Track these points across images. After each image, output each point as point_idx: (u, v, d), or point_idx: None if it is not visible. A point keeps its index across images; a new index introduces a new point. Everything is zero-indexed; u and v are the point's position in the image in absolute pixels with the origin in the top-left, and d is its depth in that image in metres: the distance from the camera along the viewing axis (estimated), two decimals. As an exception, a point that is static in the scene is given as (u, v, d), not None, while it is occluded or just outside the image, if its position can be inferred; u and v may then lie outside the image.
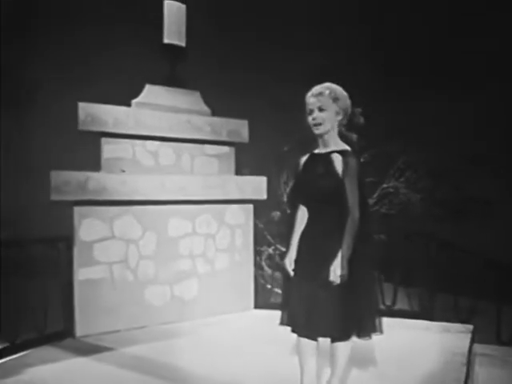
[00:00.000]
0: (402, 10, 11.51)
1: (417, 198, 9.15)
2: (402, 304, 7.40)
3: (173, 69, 6.82)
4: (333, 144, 3.88)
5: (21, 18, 9.21)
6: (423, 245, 7.17)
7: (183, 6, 6.81)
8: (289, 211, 4.21)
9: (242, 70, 10.20)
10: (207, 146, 6.97)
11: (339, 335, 3.87)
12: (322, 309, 3.73)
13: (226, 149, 7.16)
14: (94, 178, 5.97)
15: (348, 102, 3.95)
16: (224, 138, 7.09)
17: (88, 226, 5.98)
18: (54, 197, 5.71)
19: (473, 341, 6.03)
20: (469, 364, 5.33)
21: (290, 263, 3.98)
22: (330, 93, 3.85)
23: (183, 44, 6.82)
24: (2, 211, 7.49)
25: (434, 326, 6.55)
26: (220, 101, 7.38)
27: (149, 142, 6.49)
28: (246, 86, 8.95)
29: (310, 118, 3.87)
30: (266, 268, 8.12)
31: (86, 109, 6.00)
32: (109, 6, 9.49)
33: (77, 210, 5.91)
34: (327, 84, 3.91)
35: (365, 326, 3.85)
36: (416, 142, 9.46)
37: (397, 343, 5.75)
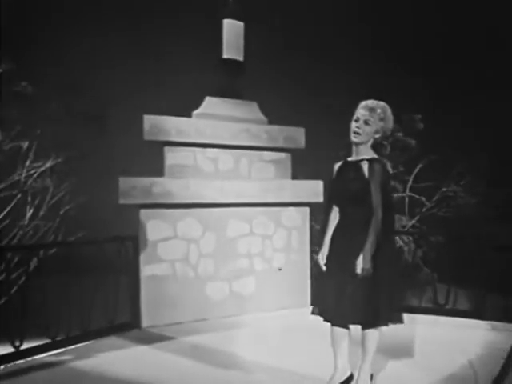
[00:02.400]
0: (465, 23, 11.68)
1: (473, 201, 9.37)
2: (454, 303, 7.64)
3: (231, 81, 7.34)
4: (364, 153, 4.30)
5: (95, 44, 10.06)
6: (476, 246, 7.38)
7: (241, 24, 7.33)
8: (325, 212, 4.64)
9: (300, 80, 10.69)
10: (264, 153, 7.46)
11: (366, 323, 4.28)
12: (350, 299, 4.17)
13: (282, 155, 7.62)
14: (158, 183, 6.56)
15: (391, 125, 4.36)
16: (280, 144, 7.56)
17: (153, 227, 6.58)
18: (122, 200, 6.34)
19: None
20: (510, 359, 5.58)
21: (322, 258, 4.44)
22: (381, 113, 4.27)
23: (241, 58, 7.34)
24: (80, 213, 8.26)
25: (482, 325, 6.77)
26: (278, 110, 7.85)
27: (209, 150, 7.03)
28: (304, 95, 9.41)
29: (353, 124, 4.29)
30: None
31: (150, 120, 6.60)
32: (171, 25, 10.18)
33: (143, 212, 6.52)
34: (382, 104, 4.33)
35: (385, 316, 4.25)
36: (473, 148, 9.67)
37: (439, 338, 6.10)
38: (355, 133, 4.26)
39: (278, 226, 7.52)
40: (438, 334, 6.35)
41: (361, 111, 4.29)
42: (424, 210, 9.83)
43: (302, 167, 7.95)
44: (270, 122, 7.62)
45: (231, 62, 7.31)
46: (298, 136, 7.71)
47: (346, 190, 4.30)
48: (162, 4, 10.57)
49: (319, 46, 11.70)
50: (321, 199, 7.77)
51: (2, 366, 5.13)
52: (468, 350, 5.70)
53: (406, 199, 9.96)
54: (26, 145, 7.87)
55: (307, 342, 5.84)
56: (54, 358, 5.40)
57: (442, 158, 9.26)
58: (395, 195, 9.93)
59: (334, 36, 11.82)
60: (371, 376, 4.48)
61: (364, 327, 4.37)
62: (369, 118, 4.25)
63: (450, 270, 7.55)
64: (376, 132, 4.28)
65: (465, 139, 10.26)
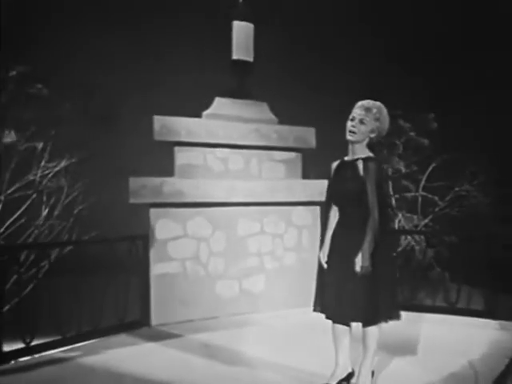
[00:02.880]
0: (480, 23, 11.64)
1: (486, 201, 9.37)
2: (464, 302, 7.64)
3: (241, 82, 7.41)
4: (360, 152, 4.36)
5: (107, 45, 10.23)
6: (487, 246, 7.37)
7: (251, 25, 7.40)
8: (325, 211, 4.70)
9: (311, 80, 10.74)
10: (275, 153, 7.52)
11: (367, 320, 4.33)
12: (350, 297, 4.24)
13: (292, 154, 7.68)
14: (168, 183, 6.66)
15: (387, 125, 4.44)
16: (291, 144, 7.62)
17: (163, 226, 6.67)
18: (132, 200, 6.44)
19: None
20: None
21: (323, 256, 4.49)
22: (376, 112, 4.34)
23: (251, 59, 7.41)
24: (91, 213, 8.40)
25: (492, 324, 6.78)
26: (289, 110, 7.90)
27: (219, 150, 7.11)
28: (316, 95, 9.47)
29: (349, 123, 4.36)
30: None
31: (160, 121, 6.70)
32: (182, 26, 10.29)
33: (153, 211, 6.62)
34: (378, 104, 4.40)
35: (384, 313, 4.30)
36: (487, 147, 9.66)
37: (445, 337, 6.14)
38: (351, 132, 4.33)
39: (289, 225, 7.58)
40: (445, 333, 6.38)
41: (357, 111, 4.35)
42: (437, 209, 9.84)
43: (313, 167, 7.99)
44: (282, 122, 7.67)
45: (241, 63, 7.38)
46: (308, 136, 7.77)
47: (343, 190, 4.37)
48: (173, 5, 10.70)
49: (331, 46, 11.74)
50: (332, 198, 7.80)
51: (13, 361, 5.24)
52: (472, 349, 5.72)
53: (419, 198, 9.97)
54: (40, 145, 8.00)
55: (314, 339, 5.89)
56: (63, 354, 5.51)
57: (455, 157, 9.26)
58: (408, 194, 9.97)
59: (345, 36, 11.86)
60: (372, 372, 4.53)
61: (365, 324, 4.41)
62: (364, 118, 4.31)
63: (462, 270, 7.56)
64: (371, 131, 4.34)
65: (478, 138, 10.25)
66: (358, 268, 4.17)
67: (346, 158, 4.48)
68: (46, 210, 8.16)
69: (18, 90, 7.74)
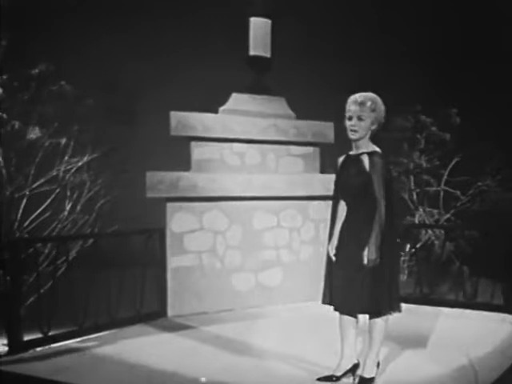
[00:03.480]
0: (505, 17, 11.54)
1: (508, 196, 9.34)
2: (483, 297, 7.63)
3: (259, 78, 7.49)
4: (364, 147, 4.41)
5: (127, 43, 10.44)
6: (506, 240, 7.34)
7: (268, 21, 7.47)
8: (332, 205, 4.77)
9: (330, 75, 10.79)
10: (292, 147, 7.58)
11: (373, 312, 4.39)
12: (357, 289, 4.31)
13: (310, 149, 7.74)
14: (185, 177, 6.77)
15: (383, 113, 4.45)
16: (309, 139, 7.67)
17: (179, 220, 6.80)
18: (149, 194, 6.58)
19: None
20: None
21: (332, 249, 4.56)
22: (371, 104, 4.35)
23: (268, 55, 7.48)
24: (113, 207, 8.59)
25: (509, 318, 6.76)
26: (308, 105, 7.97)
27: (236, 145, 7.20)
28: (334, 90, 9.50)
29: (348, 123, 4.40)
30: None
31: (176, 116, 6.82)
32: (200, 23, 10.44)
33: (169, 205, 6.75)
34: (370, 95, 4.41)
35: (389, 305, 4.36)
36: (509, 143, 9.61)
37: (460, 331, 6.18)
38: (352, 131, 4.37)
39: (306, 219, 7.64)
40: (460, 327, 6.38)
41: (352, 108, 4.35)
42: (459, 204, 9.82)
43: (332, 161, 8.03)
44: (301, 117, 7.72)
45: (258, 59, 7.45)
46: (327, 131, 7.82)
47: (349, 184, 4.43)
48: (190, 2, 10.84)
49: (349, 41, 11.76)
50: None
51: (31, 350, 5.41)
52: (483, 342, 5.72)
53: (441, 193, 9.95)
54: (63, 141, 8.20)
55: (326, 331, 5.92)
56: (79, 344, 5.66)
57: (478, 152, 9.25)
58: (430, 189, 9.96)
59: (365, 30, 11.87)
60: (378, 364, 4.58)
61: (371, 316, 4.47)
62: (361, 114, 4.32)
63: (481, 264, 7.56)
64: (371, 124, 4.37)
65: (501, 133, 10.17)
66: (365, 261, 4.23)
67: (351, 153, 4.53)
68: (70, 205, 8.35)
69: (41, 88, 7.93)
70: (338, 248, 4.52)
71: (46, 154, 8.20)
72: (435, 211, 9.74)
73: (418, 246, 9.30)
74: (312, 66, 11.38)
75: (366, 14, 12.05)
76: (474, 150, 9.28)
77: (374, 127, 4.40)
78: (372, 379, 4.50)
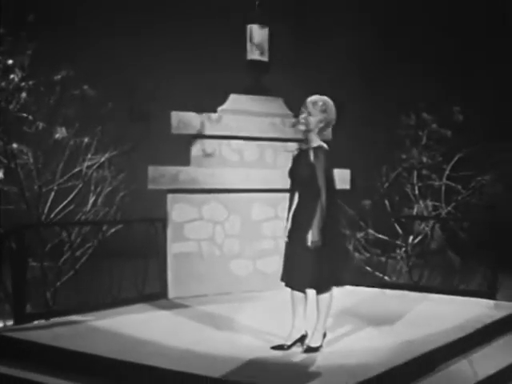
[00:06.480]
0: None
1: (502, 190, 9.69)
2: (472, 285, 8.05)
3: (257, 80, 8.09)
4: (313, 142, 5.04)
5: (141, 52, 11.25)
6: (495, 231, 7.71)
7: (266, 28, 8.06)
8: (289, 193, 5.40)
9: (326, 74, 11.30)
10: (290, 144, 8.10)
11: (318, 287, 5.01)
12: (303, 267, 4.95)
13: (308, 145, 8.25)
14: (185, 171, 7.43)
15: (333, 115, 5.14)
16: (307, 136, 8.18)
17: (180, 210, 7.44)
18: (150, 186, 7.27)
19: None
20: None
21: (285, 232, 5.17)
22: (322, 105, 5.06)
23: (266, 59, 8.07)
24: (132, 200, 9.35)
25: (489, 303, 7.20)
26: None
27: (234, 142, 7.81)
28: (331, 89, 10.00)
29: (300, 116, 5.05)
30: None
31: (177, 116, 7.48)
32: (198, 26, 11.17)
33: (170, 196, 7.41)
34: (324, 97, 5.12)
35: (331, 281, 4.96)
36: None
37: (431, 313, 6.72)
38: (301, 123, 4.99)
39: (305, 211, 8.15)
40: (434, 310, 6.90)
41: (305, 105, 5.06)
42: (460, 197, 10.22)
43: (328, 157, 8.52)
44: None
45: (257, 63, 8.04)
46: (325, 128, 8.31)
47: (298, 175, 5.10)
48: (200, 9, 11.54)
49: (347, 39, 12.14)
50: (348, 186, 8.39)
51: (36, 322, 6.18)
52: (448, 321, 6.19)
53: (443, 187, 10.36)
54: (86, 140, 9.01)
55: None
56: (79, 318, 6.36)
57: (479, 148, 9.65)
58: (433, 183, 10.38)
59: (363, 28, 12.23)
60: (324, 334, 5.14)
61: (317, 292, 5.05)
62: (311, 111, 4.98)
63: (471, 253, 7.98)
64: (319, 122, 4.99)
65: (503, 130, 10.48)
66: (309, 242, 4.83)
67: (302, 147, 5.14)
68: (93, 198, 9.15)
69: (65, 92, 8.75)
70: (290, 231, 5.14)
71: (70, 152, 8.98)
72: (430, 203, 10.15)
73: (417, 237, 9.77)
74: (310, 64, 11.92)
75: (366, 12, 12.43)
76: (476, 147, 9.68)
77: (321, 125, 5.05)
78: (318, 348, 5.08)
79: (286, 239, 5.18)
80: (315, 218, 4.84)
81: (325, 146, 5.03)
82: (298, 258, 4.97)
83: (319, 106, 5.00)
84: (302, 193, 5.06)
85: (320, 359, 4.90)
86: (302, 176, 5.01)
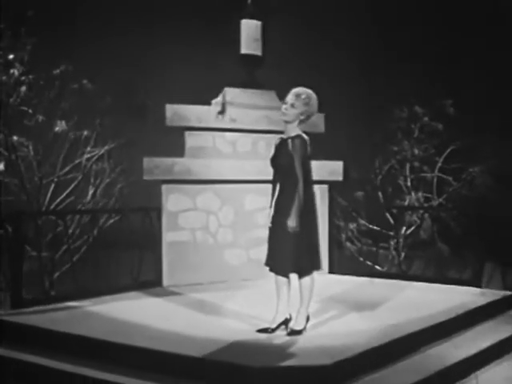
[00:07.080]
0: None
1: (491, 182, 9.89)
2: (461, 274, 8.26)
3: (250, 74, 8.29)
4: (292, 132, 5.25)
5: (137, 47, 11.49)
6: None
7: (259, 23, 8.25)
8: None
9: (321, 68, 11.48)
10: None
11: (299, 272, 5.24)
12: (284, 252, 5.17)
13: (301, 138, 8.45)
14: (179, 163, 7.64)
15: (314, 109, 5.34)
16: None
17: (174, 200, 7.66)
18: (146, 177, 7.49)
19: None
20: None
21: (269, 219, 5.38)
22: (305, 98, 5.25)
23: (259, 53, 8.27)
24: (130, 192, 9.60)
25: (476, 291, 7.37)
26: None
27: (228, 134, 8.02)
28: (325, 82, 10.18)
29: (282, 106, 5.24)
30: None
31: (172, 109, 7.70)
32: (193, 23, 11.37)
33: (164, 187, 7.62)
34: (308, 91, 5.30)
35: (310, 266, 5.17)
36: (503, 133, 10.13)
37: (418, 300, 6.91)
38: (283, 113, 5.19)
39: (298, 202, 8.36)
40: (422, 297, 7.08)
41: (289, 96, 5.25)
42: (451, 189, 10.44)
43: (322, 148, 8.72)
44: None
45: (250, 57, 8.23)
46: (318, 121, 8.52)
47: (278, 164, 5.30)
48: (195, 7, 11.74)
49: (343, 34, 12.29)
50: (341, 178, 8.58)
51: (34, 307, 6.42)
52: (434, 307, 6.37)
53: (435, 179, 10.58)
54: (85, 133, 9.25)
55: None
56: (76, 304, 6.60)
57: (471, 141, 9.85)
58: (425, 175, 10.59)
59: (358, 23, 12.39)
60: (307, 318, 5.35)
61: (300, 276, 5.26)
62: (294, 102, 5.17)
63: (461, 244, 8.18)
64: (301, 114, 5.19)
65: (495, 123, 10.64)
66: (289, 228, 5.03)
67: (282, 137, 5.35)
68: (92, 190, 9.39)
69: (65, 86, 8.99)
70: (272, 218, 5.33)
71: (70, 144, 9.22)
72: (420, 194, 10.37)
73: (409, 229, 9.99)
74: (304, 59, 12.10)
75: (360, 9, 12.57)
76: (467, 140, 9.88)
77: (302, 117, 5.25)
78: (301, 331, 5.29)
79: (269, 225, 5.36)
80: (293, 204, 5.04)
81: (304, 136, 5.23)
82: (279, 243, 5.17)
83: (302, 98, 5.19)
84: (283, 181, 5.25)
85: (302, 341, 5.10)
86: (282, 164, 5.22)
